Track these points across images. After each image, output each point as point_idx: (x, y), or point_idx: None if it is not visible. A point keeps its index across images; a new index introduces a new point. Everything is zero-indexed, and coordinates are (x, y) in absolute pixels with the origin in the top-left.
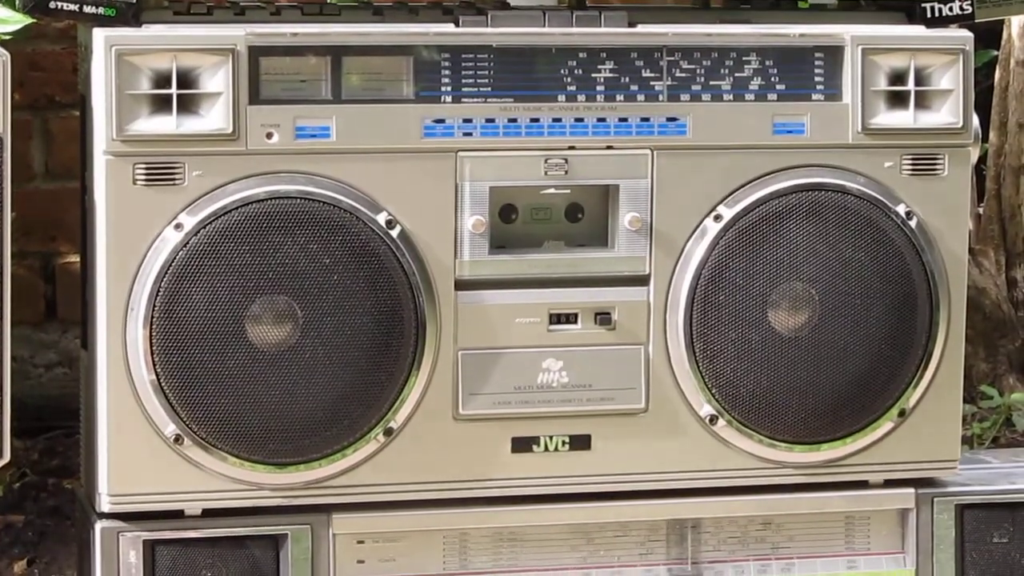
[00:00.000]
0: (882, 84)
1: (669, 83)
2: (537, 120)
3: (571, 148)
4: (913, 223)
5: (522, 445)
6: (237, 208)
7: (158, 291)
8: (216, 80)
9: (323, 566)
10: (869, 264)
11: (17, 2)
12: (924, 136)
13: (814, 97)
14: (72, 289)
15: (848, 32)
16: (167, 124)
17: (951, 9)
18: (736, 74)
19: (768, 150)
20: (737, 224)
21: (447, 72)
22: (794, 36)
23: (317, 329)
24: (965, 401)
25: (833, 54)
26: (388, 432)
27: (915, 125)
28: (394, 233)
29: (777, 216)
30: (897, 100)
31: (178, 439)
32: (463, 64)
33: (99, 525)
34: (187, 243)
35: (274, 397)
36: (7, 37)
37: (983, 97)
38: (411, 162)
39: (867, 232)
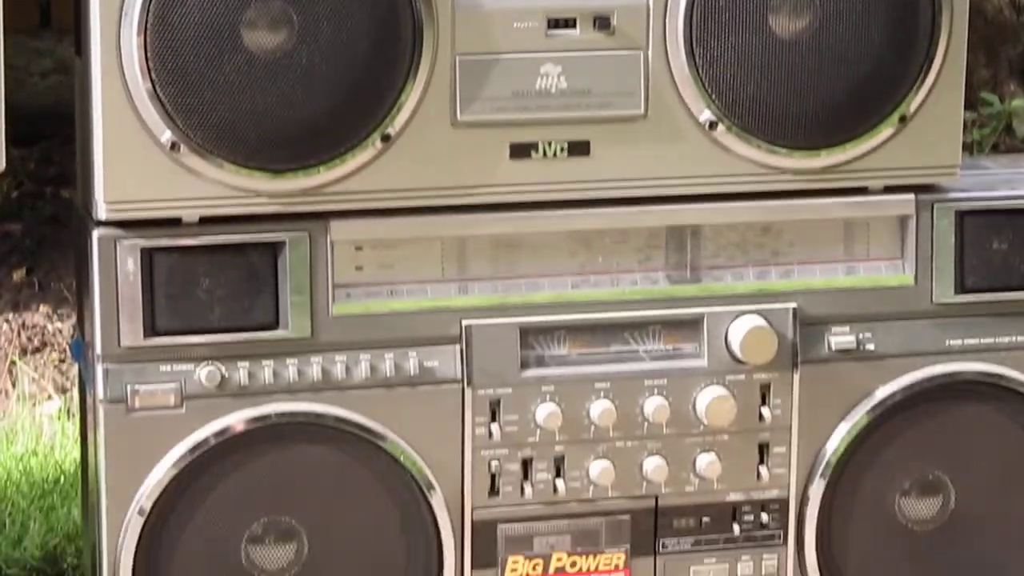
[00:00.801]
0: None
1: None
2: None
3: None
4: None
5: (520, 151)
6: None
7: None
8: None
9: (321, 273)
10: None
11: None
12: None
13: None
14: None
15: None
16: None
17: None
18: None
19: None
20: None
21: None
22: None
23: (314, 34)
24: (965, 108)
25: None
26: (385, 138)
27: None
28: None
29: None
30: None
31: (174, 146)
32: None
33: (96, 233)
34: None
35: (270, 103)
36: None
37: None
38: None
39: None
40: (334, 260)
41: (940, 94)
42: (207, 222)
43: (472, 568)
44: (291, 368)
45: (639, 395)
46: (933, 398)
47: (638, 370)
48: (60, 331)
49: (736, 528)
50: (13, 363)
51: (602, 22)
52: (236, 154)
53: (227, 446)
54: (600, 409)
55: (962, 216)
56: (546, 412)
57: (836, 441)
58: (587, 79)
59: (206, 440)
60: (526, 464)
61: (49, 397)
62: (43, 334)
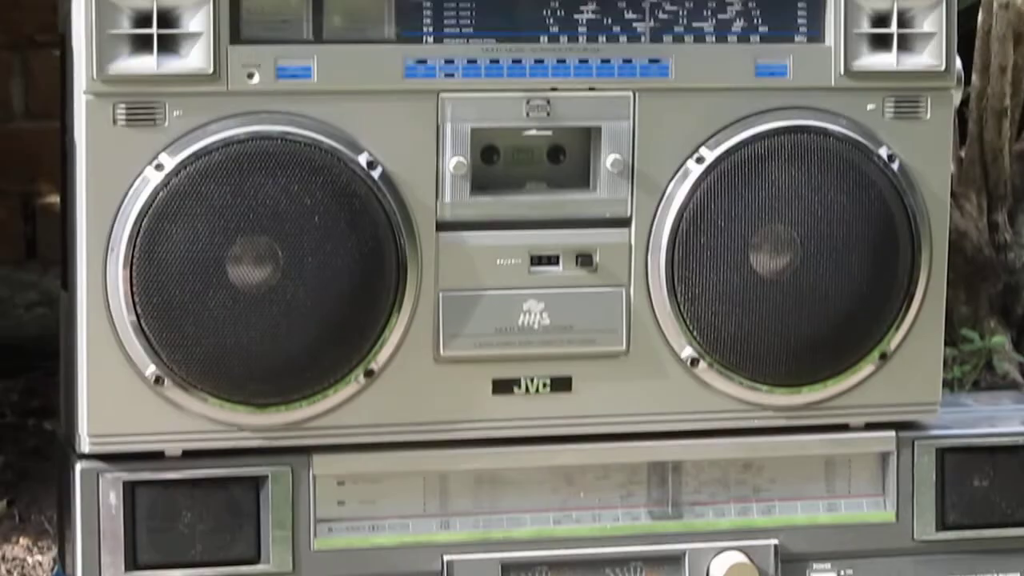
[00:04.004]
0: (865, 26)
1: (652, 24)
2: (519, 61)
3: (553, 89)
4: (895, 165)
5: (503, 387)
6: (218, 148)
7: (138, 231)
8: (197, 20)
9: (303, 507)
10: (851, 207)
11: None
12: (907, 79)
13: (796, 39)
14: (52, 229)
15: None
16: (147, 64)
17: None
18: (719, 16)
19: (750, 92)
20: (719, 166)
21: (429, 13)
22: None
23: (298, 270)
24: (946, 344)
25: None
26: (369, 373)
27: (898, 68)
28: (375, 174)
29: (759, 158)
30: (880, 42)
31: (158, 380)
32: (445, 5)
33: (79, 466)
34: (168, 183)
35: (254, 338)
36: None
37: (966, 40)
38: (392, 103)
39: (849, 174)
40: (316, 494)
41: (920, 331)
42: (190, 455)
43: None
44: None
45: None
46: None
47: None
48: (40, 564)
49: None
50: None
51: (584, 259)
52: (220, 389)
53: None
54: None
55: (943, 453)
56: None
57: None
58: (569, 315)
59: None
60: None
61: None
62: (23, 567)
